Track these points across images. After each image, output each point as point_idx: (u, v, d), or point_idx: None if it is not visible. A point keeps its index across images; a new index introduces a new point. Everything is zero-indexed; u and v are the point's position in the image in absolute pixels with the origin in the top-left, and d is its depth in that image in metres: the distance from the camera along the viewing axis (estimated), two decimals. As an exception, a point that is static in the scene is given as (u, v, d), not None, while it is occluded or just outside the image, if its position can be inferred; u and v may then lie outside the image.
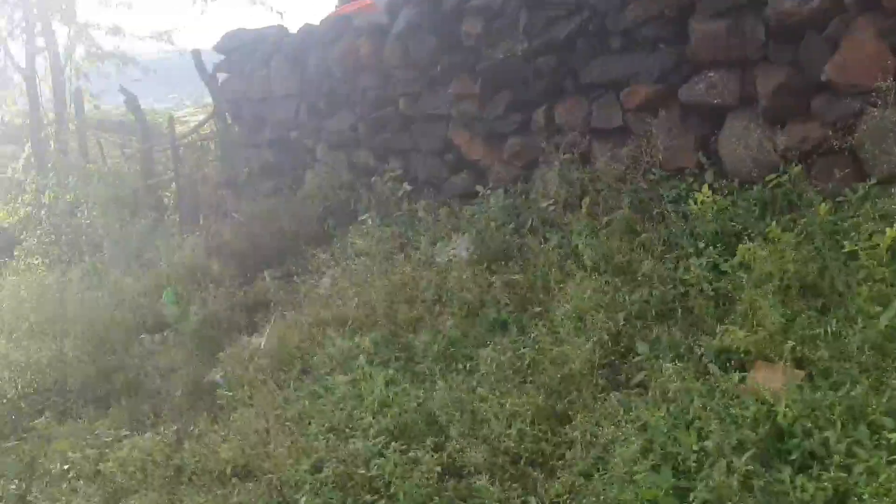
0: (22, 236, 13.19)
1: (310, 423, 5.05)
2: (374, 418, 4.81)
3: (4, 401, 6.78)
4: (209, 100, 11.43)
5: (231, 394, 5.85)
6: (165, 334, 7.06)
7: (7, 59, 14.99)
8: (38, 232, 12.73)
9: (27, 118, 15.71)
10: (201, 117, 11.89)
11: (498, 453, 4.20)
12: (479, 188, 6.79)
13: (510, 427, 4.27)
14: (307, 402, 5.28)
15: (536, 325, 5.18)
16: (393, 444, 4.52)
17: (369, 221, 7.02)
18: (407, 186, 7.31)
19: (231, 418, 5.54)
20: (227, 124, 9.31)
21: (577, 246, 5.55)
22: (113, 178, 10.70)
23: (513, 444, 4.18)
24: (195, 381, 6.45)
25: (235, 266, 7.47)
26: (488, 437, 4.33)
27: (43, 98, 14.89)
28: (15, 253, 12.98)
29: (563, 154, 6.28)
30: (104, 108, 17.38)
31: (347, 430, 4.86)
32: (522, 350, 4.89)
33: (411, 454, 4.39)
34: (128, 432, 5.81)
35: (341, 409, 5.05)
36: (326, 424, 4.96)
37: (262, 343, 6.35)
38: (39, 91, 14.58)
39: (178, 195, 9.47)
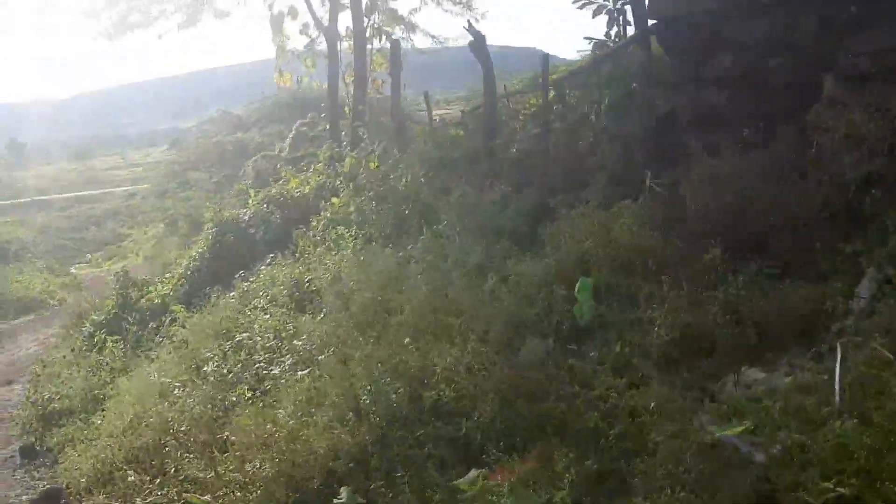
0: (321, 206, 11.71)
1: None
2: None
3: (379, 421, 4.55)
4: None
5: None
6: (604, 352, 4.47)
7: (310, 15, 13.69)
8: (341, 201, 11.10)
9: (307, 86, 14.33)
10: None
11: None
12: None
13: None
14: None
15: None
16: None
17: None
18: None
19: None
20: (649, 55, 6.63)
21: None
22: (442, 138, 8.58)
23: None
24: (676, 430, 3.81)
25: (689, 251, 4.76)
26: None
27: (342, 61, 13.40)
28: (312, 223, 11.49)
29: None
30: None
31: None
32: None
33: None
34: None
35: None
36: None
37: (836, 391, 3.50)
38: (339, 51, 13.09)
39: (548, 155, 7.03)
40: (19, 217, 37.66)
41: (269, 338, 7.73)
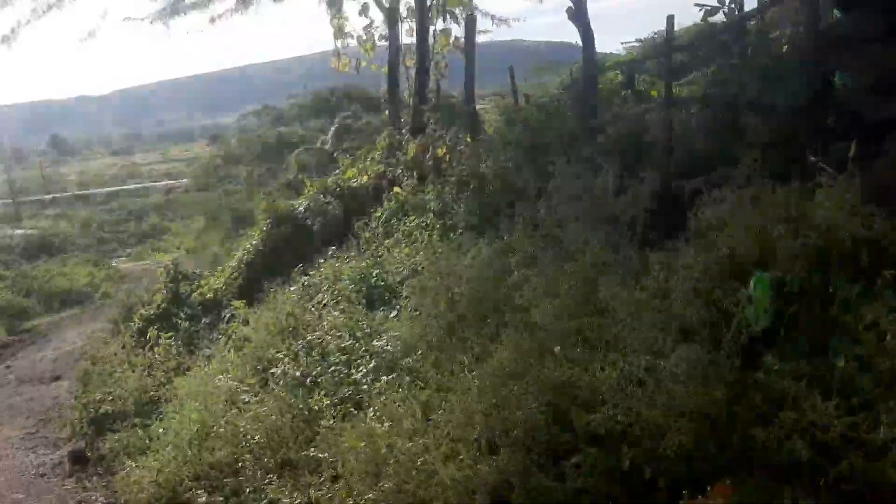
0: (384, 196, 10.84)
1: None
2: None
3: (517, 447, 3.63)
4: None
5: None
6: (795, 365, 3.49)
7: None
8: (404, 191, 10.24)
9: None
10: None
11: None
12: None
13: None
14: None
15: None
16: None
17: None
18: None
19: None
20: (815, 10, 5.52)
21: None
22: (530, 119, 7.64)
23: None
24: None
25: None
26: None
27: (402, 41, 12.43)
28: (376, 214, 10.63)
29: None
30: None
31: None
32: None
33: None
34: None
35: None
36: None
37: None
38: (400, 33, 12.17)
39: (670, 132, 5.97)
40: (62, 211, 37.70)
41: (344, 337, 6.88)
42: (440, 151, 9.99)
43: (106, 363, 10.22)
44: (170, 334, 10.15)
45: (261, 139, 28.96)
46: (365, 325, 7.16)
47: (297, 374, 6.60)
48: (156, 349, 9.93)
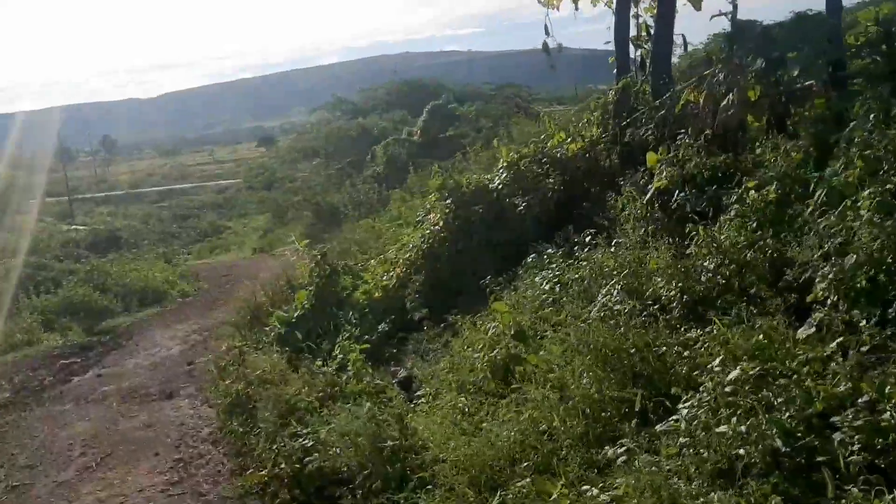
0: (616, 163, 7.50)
1: None
2: None
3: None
4: None
5: None
6: None
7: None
8: (661, 155, 6.92)
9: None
10: None
11: None
12: None
13: None
14: None
15: None
16: None
17: None
18: None
19: None
20: None
21: None
22: None
23: None
24: None
25: None
26: None
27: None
28: (655, 184, 7.26)
29: None
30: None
31: None
32: None
33: None
34: None
35: None
36: None
37: None
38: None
39: None
40: (116, 209, 35.54)
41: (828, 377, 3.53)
42: (751, 94, 6.70)
43: (270, 385, 6.95)
44: (364, 346, 6.91)
45: (340, 132, 25.74)
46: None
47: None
48: (347, 369, 6.67)
